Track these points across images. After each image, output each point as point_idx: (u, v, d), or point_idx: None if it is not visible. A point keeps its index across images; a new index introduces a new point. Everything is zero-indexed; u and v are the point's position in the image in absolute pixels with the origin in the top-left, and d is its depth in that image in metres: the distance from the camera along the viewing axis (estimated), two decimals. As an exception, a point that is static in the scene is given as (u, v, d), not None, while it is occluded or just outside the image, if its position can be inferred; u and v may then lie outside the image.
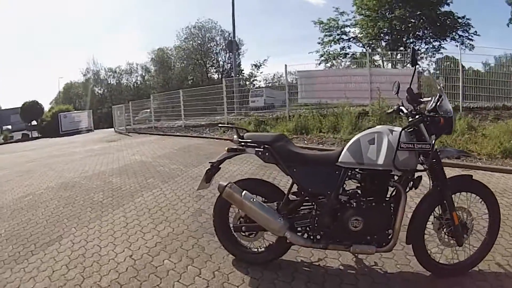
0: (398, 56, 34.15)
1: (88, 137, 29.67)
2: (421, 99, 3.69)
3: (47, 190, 8.59)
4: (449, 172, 3.90)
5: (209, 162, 4.13)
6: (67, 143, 24.00)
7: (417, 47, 43.28)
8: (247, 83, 30.86)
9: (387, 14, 42.69)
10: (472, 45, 40.02)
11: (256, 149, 3.83)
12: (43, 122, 43.15)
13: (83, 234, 5.39)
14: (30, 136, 41.07)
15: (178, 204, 6.56)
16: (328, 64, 48.32)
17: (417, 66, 3.81)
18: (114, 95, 67.83)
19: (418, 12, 41.62)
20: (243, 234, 4.06)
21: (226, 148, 4.02)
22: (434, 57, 42.61)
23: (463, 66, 16.90)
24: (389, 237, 3.51)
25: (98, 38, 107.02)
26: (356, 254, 4.05)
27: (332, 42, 47.91)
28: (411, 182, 3.55)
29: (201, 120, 23.18)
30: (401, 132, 3.45)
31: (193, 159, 11.39)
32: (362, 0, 43.70)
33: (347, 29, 47.47)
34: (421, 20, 42.72)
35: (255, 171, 8.80)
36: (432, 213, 3.70)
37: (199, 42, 62.45)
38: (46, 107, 52.08)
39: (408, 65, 36.32)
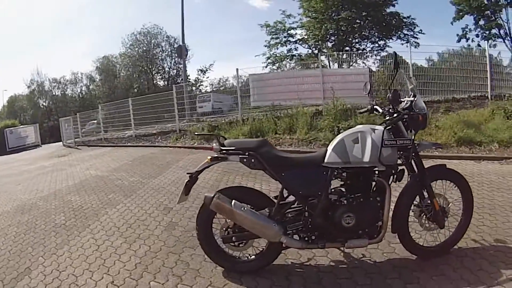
0: (344, 56, 34.78)
1: (37, 153, 28.67)
2: (401, 99, 4.00)
3: (2, 216, 8.07)
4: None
5: (187, 173, 4.05)
6: (16, 161, 23.15)
7: (362, 46, 45.61)
8: (194, 88, 30.73)
9: (333, 15, 43.21)
10: (418, 43, 41.39)
11: (241, 156, 3.82)
12: (-13, 139, 41.52)
13: (53, 263, 5.00)
14: (-27, 154, 39.56)
15: (147, 219, 6.36)
16: (275, 67, 48.82)
17: (398, 68, 4.01)
18: (59, 107, 66.31)
19: (364, 13, 42.57)
20: (233, 244, 4.01)
21: (209, 158, 3.90)
22: (379, 55, 43.63)
23: (412, 64, 17.53)
24: (379, 228, 3.76)
25: (41, 46, 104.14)
26: (343, 249, 4.27)
27: (279, 45, 48.43)
28: (394, 176, 3.82)
29: (152, 129, 22.89)
30: (383, 130, 3.73)
31: (151, 170, 11.18)
32: (309, 3, 44.12)
33: (293, 31, 48.03)
34: (367, 21, 43.80)
35: (219, 177, 8.77)
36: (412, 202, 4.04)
37: (144, 48, 61.85)
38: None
39: (355, 64, 37.37)
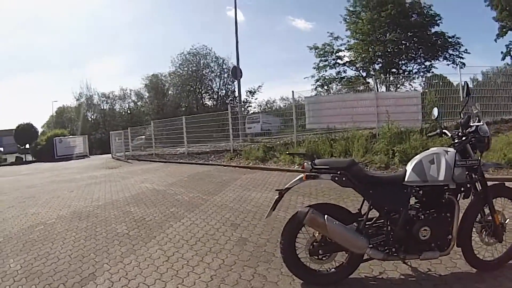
0: (391, 78, 34.54)
1: (85, 163, 29.31)
2: (471, 124, 4.25)
3: (59, 220, 8.01)
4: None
5: (276, 190, 4.20)
6: (65, 169, 23.69)
7: (409, 68, 45.52)
8: (242, 109, 30.77)
9: (380, 37, 43.41)
10: (463, 63, 41.09)
11: (332, 174, 4.01)
12: (38, 145, 42.86)
13: (120, 271, 4.85)
14: (24, 159, 40.82)
15: (216, 234, 6.24)
16: (324, 89, 48.99)
17: (469, 96, 4.43)
18: (107, 121, 67.60)
19: (410, 34, 42.76)
20: (318, 257, 4.10)
21: (304, 175, 4.06)
22: (425, 76, 43.43)
23: (466, 84, 17.13)
24: (449, 241, 3.96)
25: (91, 60, 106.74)
26: (410, 264, 4.46)
27: (328, 67, 48.62)
28: (462, 193, 4.07)
29: (204, 147, 22.90)
30: (456, 152, 4.04)
31: (209, 187, 11.04)
32: (356, 25, 44.64)
33: (341, 54, 48.15)
34: (413, 42, 43.89)
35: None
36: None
37: (193, 68, 62.38)
38: (39, 131, 51.72)
39: (402, 86, 36.98)
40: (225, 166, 16.95)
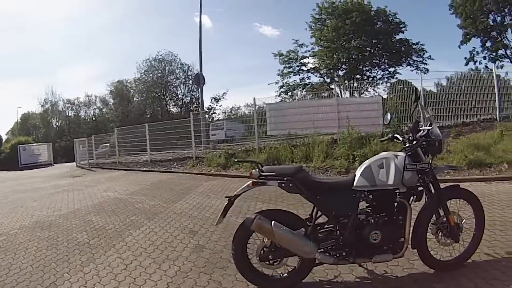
0: (355, 84, 35.13)
1: (50, 171, 28.99)
2: (420, 128, 4.45)
3: (21, 230, 8.08)
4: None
5: (226, 197, 4.28)
6: (29, 178, 23.42)
7: (373, 74, 46.35)
8: (207, 116, 30.86)
9: (345, 44, 43.83)
10: (427, 69, 42.59)
11: (279, 181, 4.08)
12: (1, 154, 42.29)
13: (80, 280, 4.94)
14: (-13, 168, 39.82)
15: (174, 242, 6.36)
16: (287, 95, 49.25)
17: (418, 100, 4.50)
18: (72, 128, 66.67)
19: (375, 41, 43.47)
20: (268, 262, 4.16)
21: (251, 182, 4.14)
22: (389, 82, 44.59)
23: (424, 90, 17.88)
24: (402, 244, 4.07)
25: (56, 66, 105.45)
26: (367, 266, 4.52)
27: (292, 74, 48.94)
28: (414, 196, 4.21)
29: (167, 154, 22.98)
30: (405, 156, 4.15)
31: (170, 195, 11.19)
32: (321, 32, 45.02)
33: (306, 60, 48.56)
34: (377, 49, 44.63)
35: (239, 204, 8.45)
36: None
37: (159, 75, 62.29)
38: (3, 138, 51.03)
39: (366, 92, 37.64)
40: (187, 173, 17.10)
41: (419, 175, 4.19)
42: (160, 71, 62.61)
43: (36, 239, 7.22)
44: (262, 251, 4.16)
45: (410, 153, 4.25)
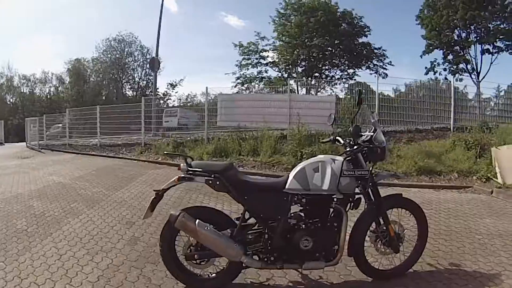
0: (313, 82, 35.49)
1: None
2: (361, 133, 4.34)
3: None
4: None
5: (154, 190, 4.16)
6: None
7: (332, 74, 47.05)
8: (161, 102, 30.71)
9: (306, 42, 43.99)
10: (386, 73, 42.69)
11: (206, 177, 3.96)
12: None
13: (15, 269, 4.85)
14: None
15: (110, 232, 6.35)
16: (244, 87, 49.82)
17: (361, 105, 4.44)
18: (26, 106, 64.16)
19: (337, 42, 44.05)
20: (195, 262, 4.11)
21: (177, 177, 4.02)
22: (347, 83, 45.39)
23: (379, 93, 18.45)
24: (336, 252, 3.98)
25: (15, 40, 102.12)
26: (301, 271, 4.44)
27: (250, 66, 49.10)
28: (352, 204, 4.09)
29: (117, 139, 22.89)
30: (343, 161, 4.01)
31: (114, 182, 11.29)
32: (283, 27, 45.27)
33: (265, 54, 48.71)
34: (339, 49, 45.27)
35: (181, 194, 8.80)
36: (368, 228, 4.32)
37: (117, 56, 61.14)
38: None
39: (323, 90, 38.08)
40: (134, 160, 17.16)
41: (358, 182, 4.12)
42: (119, 52, 61.45)
43: None
44: (188, 250, 4.09)
45: (349, 158, 4.15)
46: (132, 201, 8.66)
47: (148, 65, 57.06)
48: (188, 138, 19.23)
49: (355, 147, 4.23)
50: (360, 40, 45.35)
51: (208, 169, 4.03)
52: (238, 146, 15.43)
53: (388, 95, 20.70)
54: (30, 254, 5.42)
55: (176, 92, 49.27)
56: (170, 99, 42.45)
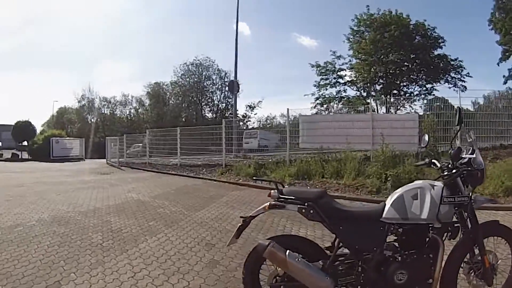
0: (392, 100, 34.61)
1: (80, 166, 29.27)
2: (462, 156, 3.86)
3: (39, 223, 8.04)
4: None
5: (241, 217, 3.86)
6: (58, 170, 23.71)
7: (410, 90, 45.58)
8: (241, 124, 30.74)
9: (382, 58, 43.43)
10: (465, 86, 41.24)
11: (299, 206, 3.65)
12: (35, 144, 42.83)
13: (85, 282, 4.71)
14: (19, 156, 40.74)
15: (188, 253, 6.07)
16: (323, 108, 49.01)
17: (461, 123, 4.01)
18: (107, 125, 67.37)
19: (413, 56, 42.76)
20: None
21: (267, 205, 3.73)
22: (426, 99, 43.58)
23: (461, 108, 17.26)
24: (429, 286, 3.57)
25: (96, 64, 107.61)
26: None
27: (328, 86, 48.54)
28: (449, 233, 3.67)
29: (197, 159, 22.90)
30: (443, 187, 3.60)
31: (194, 202, 10.97)
32: (359, 44, 44.73)
33: (342, 73, 48.14)
34: (415, 64, 43.83)
35: (263, 218, 8.19)
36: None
37: (195, 79, 62.92)
38: (38, 129, 51.93)
39: (402, 108, 37.12)
40: (215, 180, 16.86)
41: (456, 209, 3.68)
42: (197, 76, 63.27)
43: (51, 234, 7.11)
44: (274, 280, 3.76)
45: (448, 183, 3.71)
46: (213, 223, 8.33)
47: (227, 88, 58.21)
48: (270, 159, 18.86)
49: (454, 170, 3.77)
50: (436, 53, 43.93)
51: (301, 197, 3.72)
52: (321, 168, 14.82)
53: (467, 109, 19.58)
54: (103, 268, 5.31)
55: (255, 114, 49.58)
56: (250, 120, 42.59)
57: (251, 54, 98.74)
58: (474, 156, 3.77)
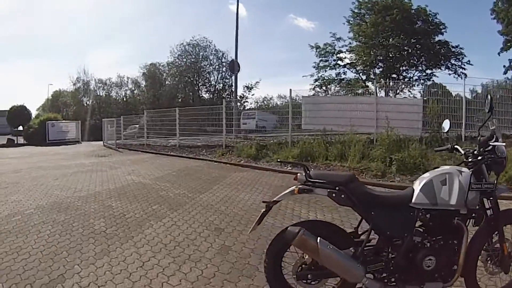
0: (391, 84, 34.42)
1: (76, 149, 29.01)
2: (491, 143, 3.79)
3: (37, 210, 7.71)
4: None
5: (263, 202, 3.73)
6: (55, 154, 23.46)
7: (410, 75, 45.24)
8: (238, 104, 30.56)
9: (383, 42, 43.20)
10: (465, 74, 40.61)
11: (329, 190, 3.49)
12: (30, 129, 42.30)
13: (91, 275, 4.43)
14: (15, 142, 40.37)
15: (197, 239, 5.85)
16: (322, 89, 48.88)
17: (492, 111, 3.96)
18: (102, 108, 67.07)
19: (413, 41, 42.44)
20: (306, 281, 3.59)
21: (296, 189, 3.54)
22: (425, 84, 43.24)
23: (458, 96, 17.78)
24: (454, 272, 3.54)
25: (89, 45, 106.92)
26: None
27: (328, 68, 48.23)
28: (472, 219, 3.63)
29: (196, 141, 22.76)
30: (471, 173, 3.57)
31: (197, 184, 10.74)
32: (359, 27, 44.36)
33: (342, 55, 47.84)
34: (416, 49, 43.51)
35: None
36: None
37: (192, 60, 62.42)
38: (33, 113, 51.65)
39: (401, 92, 36.92)
40: (215, 162, 16.66)
41: (481, 196, 3.62)
42: (193, 56, 62.74)
43: (51, 222, 6.82)
44: (300, 268, 3.60)
45: (475, 169, 3.65)
46: (219, 206, 8.07)
47: (224, 68, 58.36)
48: (271, 140, 18.58)
49: (479, 157, 3.72)
50: (437, 39, 43.21)
51: (331, 180, 3.56)
52: (325, 151, 14.63)
53: (466, 97, 19.42)
54: (109, 258, 5.08)
55: (253, 95, 49.33)
56: (247, 101, 42.26)
57: (248, 35, 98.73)
58: (499, 143, 3.72)
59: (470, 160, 3.80)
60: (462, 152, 3.97)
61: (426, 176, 3.67)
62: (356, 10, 45.09)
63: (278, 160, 11.78)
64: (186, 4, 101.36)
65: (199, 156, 18.73)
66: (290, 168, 12.97)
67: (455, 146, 4.13)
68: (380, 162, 12.44)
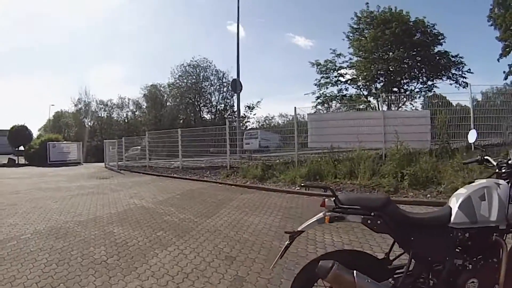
0: (393, 97, 34.40)
1: (77, 170, 28.85)
2: None
3: (34, 236, 7.31)
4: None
5: (286, 232, 3.38)
6: (55, 175, 23.24)
7: (411, 87, 45.87)
8: (240, 124, 30.45)
9: (383, 55, 43.60)
10: (466, 82, 40.70)
11: (364, 216, 3.14)
12: (31, 149, 42.45)
13: None
14: (16, 162, 40.44)
15: (207, 270, 5.35)
16: (324, 107, 49.16)
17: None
18: (104, 129, 68.02)
19: (413, 53, 42.84)
20: None
21: (326, 217, 3.15)
22: (426, 96, 42.83)
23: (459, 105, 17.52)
24: None
25: (91, 67, 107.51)
26: None
27: (329, 84, 48.56)
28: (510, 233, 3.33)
29: (200, 162, 22.49)
30: (510, 185, 3.28)
31: (203, 207, 10.34)
32: (359, 42, 44.74)
33: (343, 71, 48.17)
34: (416, 61, 43.88)
35: (281, 223, 7.84)
36: None
37: (193, 80, 63.09)
38: (35, 134, 51.62)
39: (404, 106, 36.88)
40: (220, 183, 16.32)
41: None
42: (194, 77, 63.52)
43: (48, 250, 6.39)
44: None
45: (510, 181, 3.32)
46: (228, 231, 7.66)
47: (225, 89, 58.98)
48: (277, 160, 18.27)
49: None
50: (436, 49, 43.80)
51: (365, 205, 3.20)
52: (333, 168, 14.33)
53: (465, 105, 19.13)
54: None
55: (254, 114, 49.43)
56: (249, 121, 42.36)
57: (247, 55, 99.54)
58: None
59: (504, 171, 3.50)
60: (494, 163, 3.72)
61: (463, 192, 3.35)
62: (355, 26, 45.85)
63: (302, 184, 11.24)
64: (185, 26, 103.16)
65: (203, 178, 18.42)
66: (297, 188, 12.62)
67: (485, 157, 3.90)
68: (391, 178, 12.24)
